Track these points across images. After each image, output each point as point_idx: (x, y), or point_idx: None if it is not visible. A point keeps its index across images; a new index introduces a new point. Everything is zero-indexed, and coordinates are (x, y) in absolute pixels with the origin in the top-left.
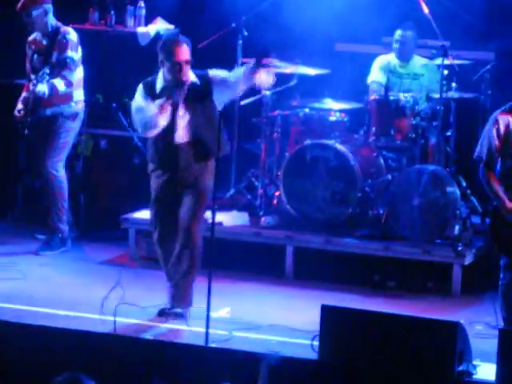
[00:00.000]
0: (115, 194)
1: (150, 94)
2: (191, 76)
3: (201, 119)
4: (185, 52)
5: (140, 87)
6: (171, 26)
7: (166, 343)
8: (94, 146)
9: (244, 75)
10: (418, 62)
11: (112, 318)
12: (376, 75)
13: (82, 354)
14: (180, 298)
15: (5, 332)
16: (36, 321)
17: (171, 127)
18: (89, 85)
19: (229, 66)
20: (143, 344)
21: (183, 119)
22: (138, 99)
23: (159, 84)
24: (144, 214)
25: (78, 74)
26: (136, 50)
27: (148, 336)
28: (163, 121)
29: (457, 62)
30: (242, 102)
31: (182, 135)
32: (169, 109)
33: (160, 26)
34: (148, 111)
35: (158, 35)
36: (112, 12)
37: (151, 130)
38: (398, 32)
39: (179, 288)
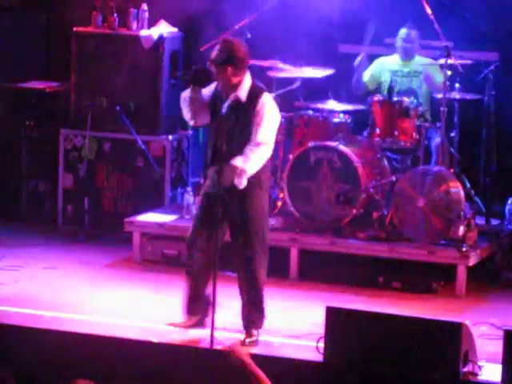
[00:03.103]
0: (119, 197)
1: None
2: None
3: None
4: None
5: None
6: (174, 29)
7: (173, 346)
8: (97, 149)
9: None
10: (420, 61)
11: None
12: (367, 74)
13: (90, 357)
14: None
15: (10, 336)
16: (40, 324)
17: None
18: (92, 88)
19: None
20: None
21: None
22: None
23: None
24: (148, 217)
25: None
26: (139, 53)
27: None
28: (186, 108)
29: (460, 62)
30: None
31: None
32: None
33: (163, 28)
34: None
35: (161, 38)
36: (115, 15)
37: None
38: (403, 30)
39: None
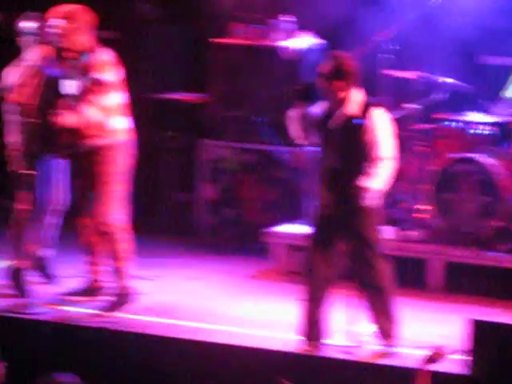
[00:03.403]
0: (262, 208)
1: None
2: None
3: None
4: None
5: None
6: (315, 40)
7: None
8: (239, 161)
9: None
10: None
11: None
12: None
13: (230, 367)
14: None
15: (153, 345)
16: (182, 334)
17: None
18: (233, 99)
19: (370, 81)
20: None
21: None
22: None
23: None
24: (291, 228)
25: None
26: (279, 64)
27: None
28: (292, 126)
29: None
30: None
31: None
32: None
33: (303, 39)
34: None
35: (300, 49)
36: (255, 26)
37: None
38: None
39: None
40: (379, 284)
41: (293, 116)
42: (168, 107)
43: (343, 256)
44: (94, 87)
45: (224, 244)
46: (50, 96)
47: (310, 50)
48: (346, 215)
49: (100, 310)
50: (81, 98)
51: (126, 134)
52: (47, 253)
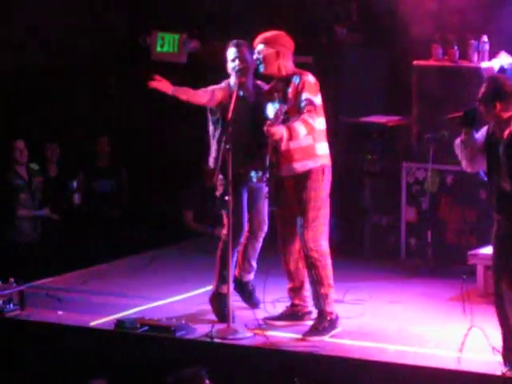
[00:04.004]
0: (463, 230)
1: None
2: None
3: None
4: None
5: None
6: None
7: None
8: (440, 182)
9: None
10: None
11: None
12: None
13: None
14: None
15: (348, 368)
16: (385, 358)
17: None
18: (434, 121)
19: None
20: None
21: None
22: None
23: None
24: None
25: None
26: (480, 85)
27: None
28: (461, 154)
29: None
30: None
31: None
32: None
33: (504, 59)
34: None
35: (501, 69)
36: (455, 47)
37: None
38: None
39: None
40: None
41: (458, 143)
42: (370, 130)
43: None
44: (307, 108)
45: (427, 266)
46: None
47: (510, 70)
48: None
49: (304, 334)
50: (287, 120)
51: (329, 159)
52: (248, 277)
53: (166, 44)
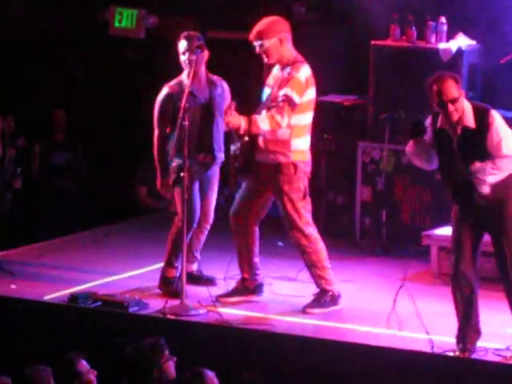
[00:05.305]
0: (417, 211)
1: (433, 128)
2: (467, 113)
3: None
4: (447, 90)
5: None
6: (473, 42)
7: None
8: (395, 162)
9: None
10: None
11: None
12: None
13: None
14: None
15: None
16: (340, 337)
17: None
18: (390, 100)
19: None
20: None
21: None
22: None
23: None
24: (447, 231)
25: None
26: (437, 66)
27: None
28: (416, 160)
29: None
30: None
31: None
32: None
33: (461, 41)
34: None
35: (459, 51)
36: (413, 28)
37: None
38: None
39: None
40: None
41: (412, 152)
42: (326, 109)
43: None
44: (280, 104)
45: (381, 246)
46: None
47: (468, 52)
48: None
49: (305, 307)
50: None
51: (305, 155)
52: (191, 268)
53: (124, 19)
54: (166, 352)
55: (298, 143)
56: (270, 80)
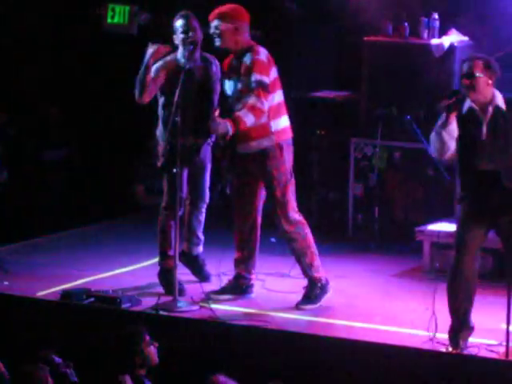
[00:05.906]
0: (410, 206)
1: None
2: (498, 98)
3: (501, 145)
4: (473, 66)
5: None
6: (465, 38)
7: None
8: (388, 158)
9: None
10: None
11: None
12: None
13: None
14: None
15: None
16: (331, 332)
17: (474, 151)
18: (383, 96)
19: None
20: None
21: (486, 144)
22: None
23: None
24: (439, 226)
25: None
26: (430, 62)
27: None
28: (438, 142)
29: None
30: None
31: (485, 162)
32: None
33: (454, 37)
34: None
35: (451, 47)
36: (406, 24)
37: (438, 154)
38: None
39: None
40: None
41: (438, 132)
42: (319, 105)
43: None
44: (255, 91)
45: (374, 242)
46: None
47: (461, 48)
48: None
49: (297, 304)
50: (241, 99)
51: (287, 132)
52: (197, 250)
53: (117, 15)
54: (147, 338)
55: (277, 123)
56: (230, 72)
